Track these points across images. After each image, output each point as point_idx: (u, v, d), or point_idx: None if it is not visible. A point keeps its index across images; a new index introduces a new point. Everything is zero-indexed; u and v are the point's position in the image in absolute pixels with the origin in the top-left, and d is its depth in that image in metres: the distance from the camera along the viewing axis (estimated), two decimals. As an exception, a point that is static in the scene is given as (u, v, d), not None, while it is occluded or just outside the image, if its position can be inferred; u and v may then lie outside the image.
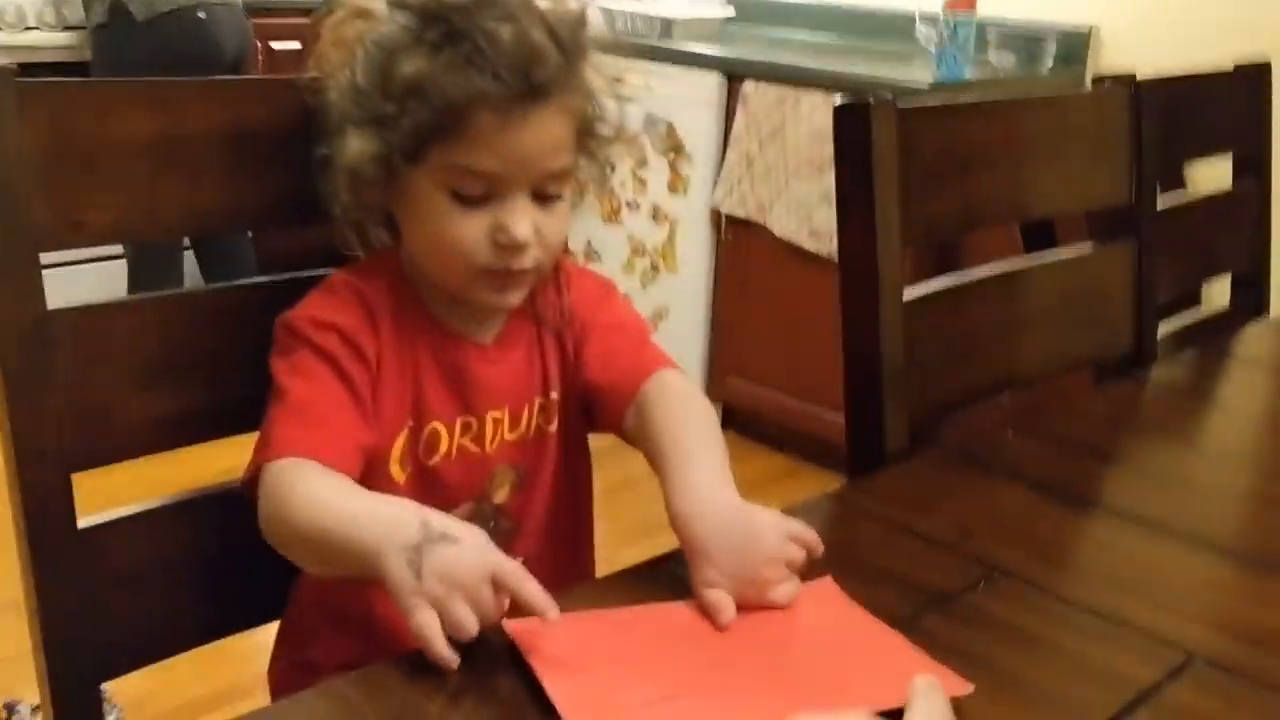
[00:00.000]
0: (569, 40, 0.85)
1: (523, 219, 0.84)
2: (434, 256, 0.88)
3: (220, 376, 0.94)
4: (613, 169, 0.94)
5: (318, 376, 0.84)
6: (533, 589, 0.70)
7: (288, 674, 0.96)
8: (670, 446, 0.85)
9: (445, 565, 0.70)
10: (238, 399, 0.94)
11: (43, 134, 0.84)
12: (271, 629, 1.00)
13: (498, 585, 0.70)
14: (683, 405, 0.90)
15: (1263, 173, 1.70)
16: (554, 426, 0.96)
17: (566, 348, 0.96)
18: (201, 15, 2.79)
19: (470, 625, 0.69)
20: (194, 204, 0.93)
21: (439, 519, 0.73)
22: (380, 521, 0.74)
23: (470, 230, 0.85)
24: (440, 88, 0.81)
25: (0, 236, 0.82)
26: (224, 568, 0.96)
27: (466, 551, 0.71)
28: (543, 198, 0.86)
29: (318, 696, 0.69)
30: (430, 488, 0.89)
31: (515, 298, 0.90)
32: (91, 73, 2.84)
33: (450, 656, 0.68)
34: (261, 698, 0.98)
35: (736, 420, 2.95)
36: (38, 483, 0.85)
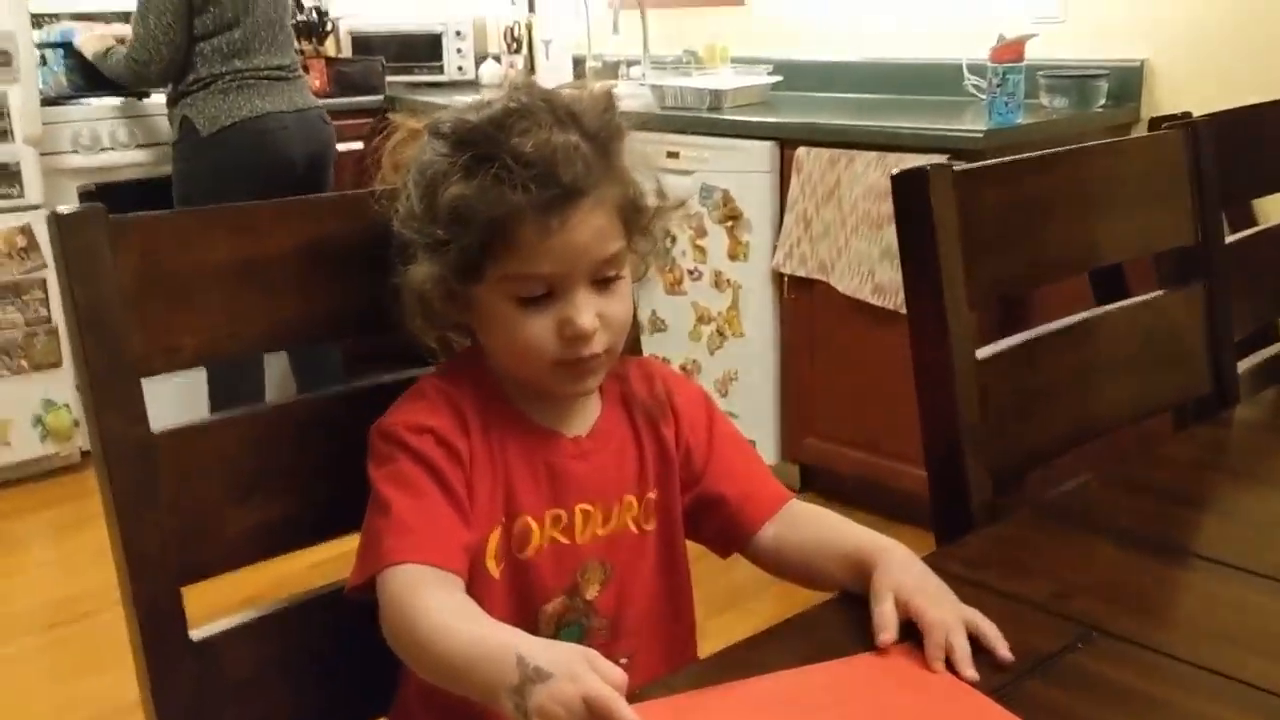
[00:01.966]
0: (598, 127, 0.89)
1: (585, 309, 0.88)
2: (510, 358, 0.92)
3: (313, 484, 0.97)
4: (673, 240, 0.96)
5: (418, 484, 0.87)
6: (622, 714, 0.70)
7: (400, 768, 0.97)
8: (860, 544, 0.91)
9: (543, 703, 0.71)
10: (331, 504, 0.96)
11: (134, 267, 0.88)
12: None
13: (592, 709, 0.70)
14: (844, 520, 0.96)
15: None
16: (652, 525, 0.97)
17: (666, 443, 0.97)
18: (267, 126, 2.91)
19: None
20: (277, 319, 0.96)
21: (533, 650, 0.74)
22: (489, 662, 0.75)
23: (538, 330, 0.88)
24: (479, 210, 0.85)
25: (106, 368, 0.86)
26: (332, 668, 0.98)
27: (558, 683, 0.71)
28: (602, 283, 0.90)
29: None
30: (524, 582, 0.91)
31: (592, 383, 0.93)
32: (172, 184, 2.98)
33: None
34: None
35: (815, 482, 2.93)
36: (149, 596, 0.88)
